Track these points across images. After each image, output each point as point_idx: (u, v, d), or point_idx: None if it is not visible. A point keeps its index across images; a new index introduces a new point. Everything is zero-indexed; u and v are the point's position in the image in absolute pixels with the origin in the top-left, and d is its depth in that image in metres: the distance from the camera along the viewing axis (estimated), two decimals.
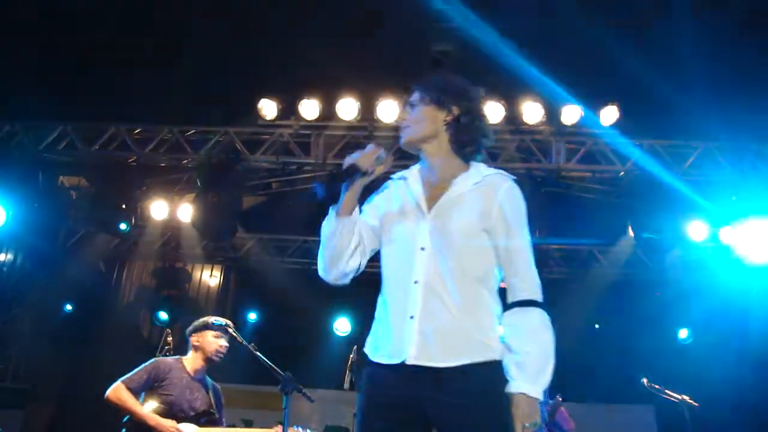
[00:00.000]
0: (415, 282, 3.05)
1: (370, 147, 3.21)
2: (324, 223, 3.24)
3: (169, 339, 6.82)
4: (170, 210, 11.51)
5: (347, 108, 9.86)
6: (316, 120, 10.07)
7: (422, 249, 3.10)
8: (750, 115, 9.78)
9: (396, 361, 3.00)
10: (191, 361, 6.39)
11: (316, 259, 11.46)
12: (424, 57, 10.11)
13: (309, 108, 9.91)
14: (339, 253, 3.20)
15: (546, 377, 3.00)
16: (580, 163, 10.13)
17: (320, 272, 3.31)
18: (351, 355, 7.73)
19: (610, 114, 9.80)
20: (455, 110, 3.30)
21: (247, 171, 10.73)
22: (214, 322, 6.37)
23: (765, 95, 9.53)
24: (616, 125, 9.92)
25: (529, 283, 3.13)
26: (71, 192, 11.88)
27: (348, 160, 3.16)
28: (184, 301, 12.72)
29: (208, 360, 6.38)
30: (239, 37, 9.52)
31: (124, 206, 10.97)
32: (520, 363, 2.97)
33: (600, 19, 8.81)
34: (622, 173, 10.21)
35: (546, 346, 3.03)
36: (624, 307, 12.53)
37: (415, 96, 3.36)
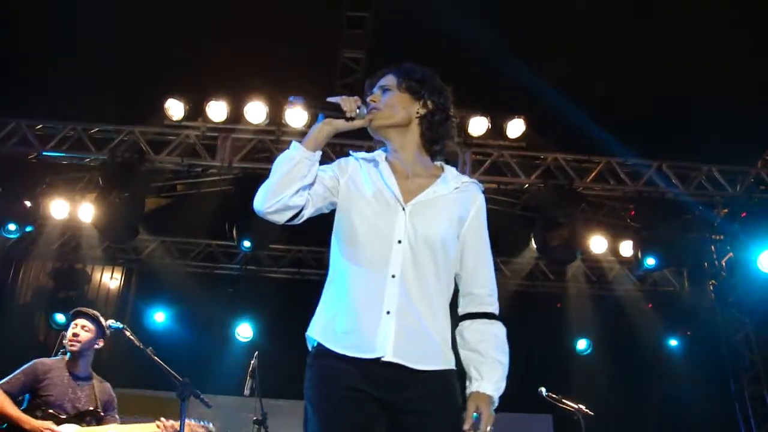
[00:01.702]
0: (393, 276, 2.98)
1: (355, 97, 3.12)
2: (281, 155, 3.05)
3: (65, 342, 6.66)
4: (71, 209, 11.25)
5: (255, 111, 9.77)
6: (224, 122, 9.95)
7: (399, 242, 3.03)
8: (652, 133, 10.04)
9: (369, 355, 2.89)
10: (69, 360, 6.29)
11: (219, 263, 11.26)
12: (335, 63, 10.09)
13: (216, 110, 9.80)
14: (289, 180, 2.96)
15: (502, 390, 3.05)
16: (486, 174, 10.21)
17: (257, 202, 3.01)
18: (252, 362, 7.67)
19: (516, 127, 9.94)
20: (429, 104, 3.29)
21: (151, 172, 10.54)
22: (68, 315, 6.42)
23: (666, 114, 9.80)
24: (523, 138, 10.07)
25: (494, 298, 3.21)
26: None
27: (332, 99, 3.08)
28: (83, 303, 12.40)
29: (70, 355, 6.29)
30: (147, 36, 9.37)
31: (28, 204, 10.66)
32: (491, 368, 3.04)
33: (508, 34, 8.94)
34: (526, 186, 10.36)
35: (507, 363, 3.11)
36: (525, 318, 12.71)
37: (390, 79, 3.28)
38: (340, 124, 3.09)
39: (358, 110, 3.09)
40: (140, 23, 9.35)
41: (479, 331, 3.11)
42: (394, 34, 9.62)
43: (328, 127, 3.08)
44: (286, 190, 2.96)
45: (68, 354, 6.30)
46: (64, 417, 5.98)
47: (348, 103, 3.07)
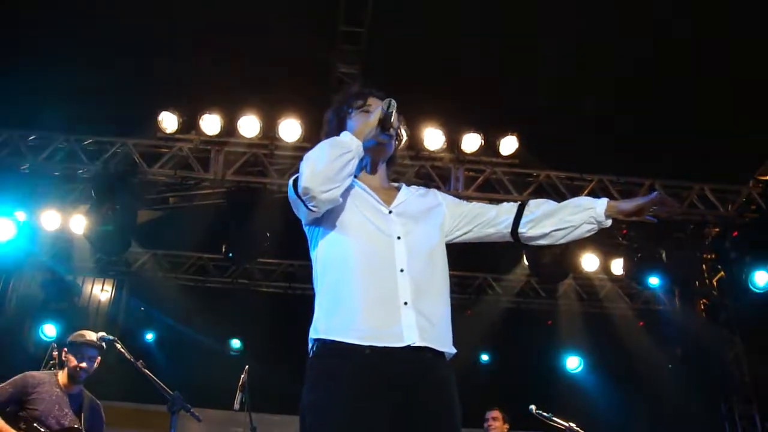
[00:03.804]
0: (401, 270, 3.13)
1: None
2: (336, 139, 3.19)
3: (55, 354, 6.60)
4: (62, 220, 11.21)
5: (249, 125, 9.77)
6: (217, 135, 9.94)
7: (398, 238, 3.21)
8: (643, 152, 10.08)
9: (398, 344, 2.98)
10: (63, 375, 6.26)
11: (210, 276, 11.08)
12: (329, 78, 10.11)
13: (210, 123, 9.78)
14: (345, 172, 3.09)
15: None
16: (479, 191, 10.22)
17: (311, 180, 3.03)
18: (242, 376, 7.63)
19: (509, 144, 9.96)
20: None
21: (144, 184, 10.52)
22: (75, 341, 6.28)
23: (657, 133, 9.84)
24: (515, 155, 10.09)
25: (504, 203, 3.64)
26: None
27: (393, 114, 3.27)
28: (73, 314, 12.37)
29: (70, 377, 6.24)
30: (142, 48, 9.37)
31: (21, 214, 10.65)
32: (580, 199, 3.54)
33: (502, 51, 8.97)
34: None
35: None
36: (516, 335, 12.70)
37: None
38: (379, 134, 3.29)
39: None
40: (135, 36, 9.34)
41: (538, 208, 3.53)
42: (389, 51, 9.65)
43: (374, 138, 3.28)
44: (343, 180, 3.10)
45: (68, 375, 6.26)
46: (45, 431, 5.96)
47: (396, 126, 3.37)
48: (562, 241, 3.54)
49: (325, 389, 2.96)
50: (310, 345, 3.14)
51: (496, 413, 8.85)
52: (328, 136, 3.37)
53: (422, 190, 3.62)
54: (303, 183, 3.03)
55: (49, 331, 11.17)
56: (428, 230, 3.36)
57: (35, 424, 5.92)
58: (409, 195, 3.49)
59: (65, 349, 6.31)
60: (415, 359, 3.00)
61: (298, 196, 3.12)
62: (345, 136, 3.17)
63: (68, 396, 6.20)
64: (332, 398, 2.92)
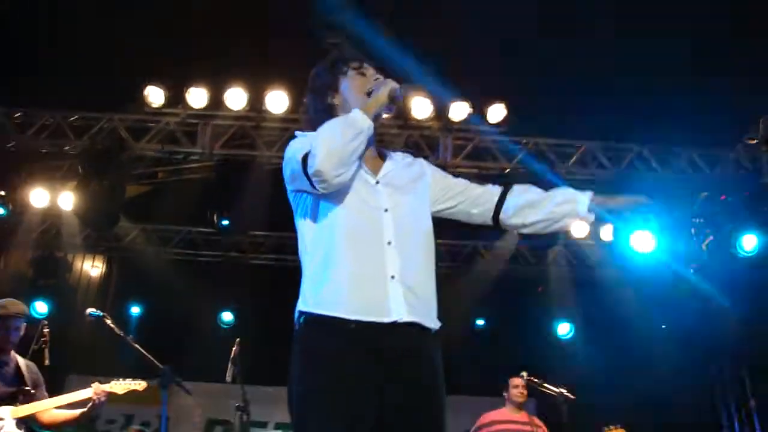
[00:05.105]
0: (389, 243, 3.08)
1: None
2: (346, 119, 3.07)
3: (45, 331, 6.60)
4: (51, 197, 11.17)
5: (235, 97, 9.73)
6: (204, 109, 9.91)
7: (386, 210, 3.16)
8: (631, 117, 10.07)
9: (385, 319, 2.95)
10: None
11: (200, 250, 11.04)
12: (314, 48, 10.06)
13: (196, 96, 9.74)
14: (356, 154, 3.01)
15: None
16: (467, 159, 10.22)
17: (324, 164, 2.92)
18: (234, 348, 7.65)
19: (497, 112, 9.94)
20: None
21: (131, 159, 10.49)
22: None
23: (646, 98, 9.83)
24: (503, 123, 10.07)
25: (489, 185, 3.56)
26: None
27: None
28: (63, 291, 12.36)
29: (1, 348, 6.23)
30: (125, 22, 9.31)
31: (2, 193, 10.63)
32: (566, 191, 3.45)
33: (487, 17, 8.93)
34: (507, 170, 10.36)
35: None
36: (506, 302, 12.75)
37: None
38: (383, 107, 3.23)
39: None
40: (119, 9, 9.28)
41: (523, 195, 3.45)
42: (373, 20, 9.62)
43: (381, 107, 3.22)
44: (354, 163, 3.03)
45: None
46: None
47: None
48: (543, 232, 3.51)
49: (310, 362, 2.97)
50: (296, 317, 3.11)
51: (521, 380, 8.78)
52: (316, 92, 3.39)
53: (409, 158, 3.54)
54: (317, 165, 2.92)
55: (41, 308, 11.14)
56: (415, 202, 3.30)
57: None
58: (396, 164, 3.41)
59: (43, 321, 6.32)
60: (402, 334, 2.98)
61: (307, 176, 3.02)
62: (357, 114, 3.06)
63: (3, 365, 6.19)
64: (318, 372, 2.92)
